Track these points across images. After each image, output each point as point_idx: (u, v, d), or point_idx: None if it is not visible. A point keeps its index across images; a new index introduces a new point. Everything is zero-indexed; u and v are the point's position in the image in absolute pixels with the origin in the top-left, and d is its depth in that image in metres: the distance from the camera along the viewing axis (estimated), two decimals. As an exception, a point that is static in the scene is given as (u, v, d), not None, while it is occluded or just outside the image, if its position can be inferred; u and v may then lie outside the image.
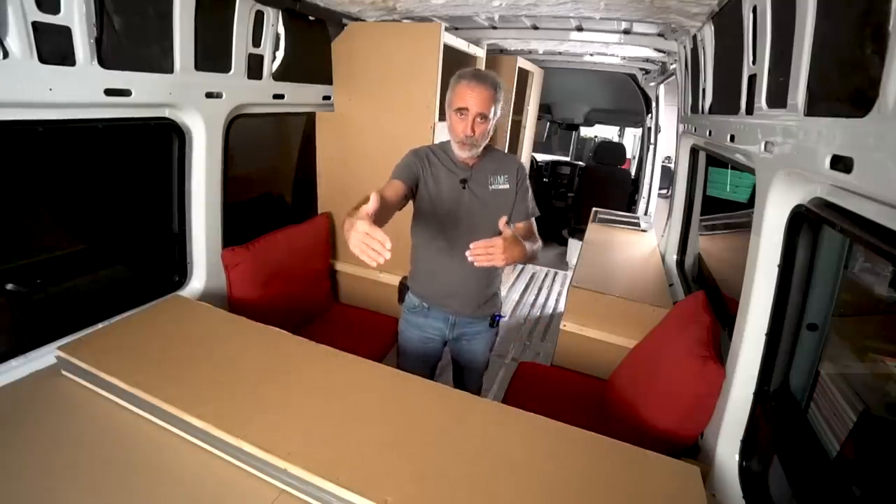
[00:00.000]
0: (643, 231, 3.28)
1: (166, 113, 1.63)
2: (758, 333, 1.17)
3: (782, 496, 1.09)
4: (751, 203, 1.44)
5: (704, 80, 1.84)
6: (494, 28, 2.50)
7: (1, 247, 1.39)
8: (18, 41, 1.11)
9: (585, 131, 7.09)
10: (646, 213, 4.27)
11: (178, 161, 1.76)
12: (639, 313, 1.92)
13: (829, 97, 0.86)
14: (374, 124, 2.24)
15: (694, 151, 2.36)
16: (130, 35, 1.37)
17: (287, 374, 1.28)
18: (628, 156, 5.62)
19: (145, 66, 1.45)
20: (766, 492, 1.13)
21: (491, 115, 1.33)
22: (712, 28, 1.64)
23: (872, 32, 0.70)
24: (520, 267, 4.70)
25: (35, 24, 1.13)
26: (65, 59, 1.23)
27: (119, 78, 1.37)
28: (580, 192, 5.36)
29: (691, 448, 1.33)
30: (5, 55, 1.10)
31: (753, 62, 1.23)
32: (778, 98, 1.07)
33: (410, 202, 1.46)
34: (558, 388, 1.89)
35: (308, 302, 2.29)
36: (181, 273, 1.88)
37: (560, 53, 3.58)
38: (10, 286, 1.37)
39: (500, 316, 1.67)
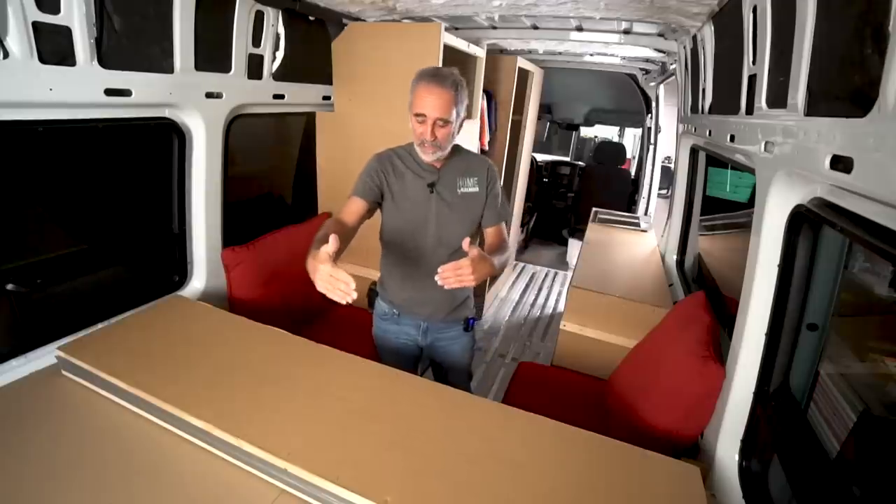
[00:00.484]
0: (643, 231, 3.28)
1: (166, 113, 1.63)
2: (758, 333, 1.17)
3: (782, 496, 1.09)
4: (751, 203, 1.44)
5: (704, 80, 1.84)
6: (494, 28, 2.50)
7: (1, 247, 1.39)
8: (18, 41, 1.11)
9: (585, 131, 7.08)
10: (646, 213, 4.27)
11: (178, 161, 1.76)
12: (639, 313, 1.92)
13: (829, 97, 0.86)
14: (374, 124, 2.24)
15: (694, 151, 2.36)
16: (130, 35, 1.38)
17: (287, 374, 1.28)
18: (628, 156, 5.62)
19: (145, 66, 1.45)
20: (766, 492, 1.13)
21: (452, 117, 1.28)
22: (712, 28, 1.64)
23: (872, 32, 0.70)
24: (520, 267, 4.71)
25: (35, 24, 1.14)
26: (65, 59, 1.23)
27: (119, 78, 1.37)
28: (580, 192, 5.36)
29: (691, 448, 1.33)
30: (5, 55, 1.10)
31: (753, 62, 1.23)
32: (778, 98, 1.07)
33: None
34: (558, 388, 1.89)
35: (308, 302, 2.28)
36: (181, 273, 1.88)
37: (560, 53, 3.58)
38: (10, 286, 1.37)
39: (474, 319, 1.62)
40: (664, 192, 4.22)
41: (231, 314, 1.60)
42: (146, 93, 1.47)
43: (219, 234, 1.91)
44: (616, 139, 6.72)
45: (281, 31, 1.94)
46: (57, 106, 1.27)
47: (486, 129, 3.07)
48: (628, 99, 4.49)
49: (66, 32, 1.21)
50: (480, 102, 2.77)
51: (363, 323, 2.32)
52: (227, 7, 1.67)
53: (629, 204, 4.85)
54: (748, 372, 1.19)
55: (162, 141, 1.71)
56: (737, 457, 1.20)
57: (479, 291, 3.37)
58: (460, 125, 1.35)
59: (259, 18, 1.80)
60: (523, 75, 3.31)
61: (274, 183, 2.64)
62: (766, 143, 1.13)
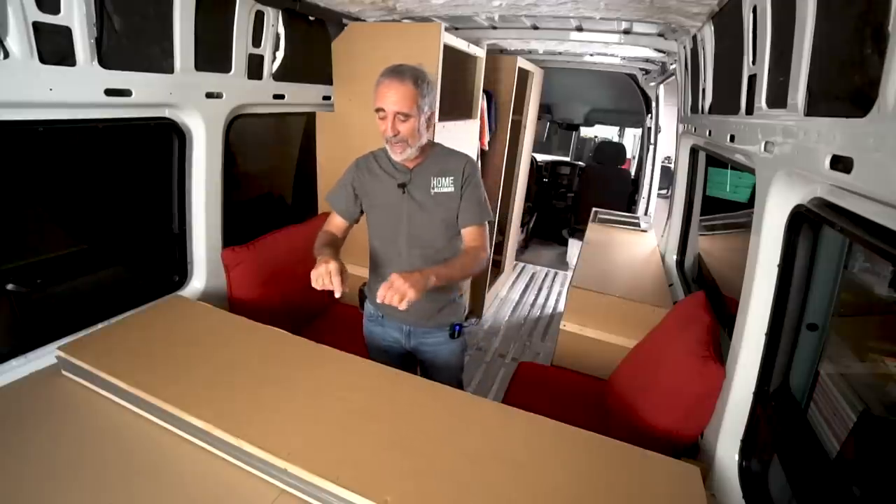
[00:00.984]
0: (643, 231, 3.28)
1: (166, 113, 1.63)
2: (758, 333, 1.17)
3: (782, 496, 1.09)
4: (751, 203, 1.44)
5: (704, 80, 1.84)
6: (494, 28, 2.50)
7: (1, 247, 1.39)
8: (19, 41, 1.11)
9: (585, 131, 7.08)
10: (646, 213, 4.27)
11: (178, 161, 1.76)
12: (639, 313, 1.92)
13: (829, 97, 0.86)
14: (374, 124, 2.20)
15: (694, 151, 2.36)
16: (131, 35, 1.38)
17: (287, 374, 1.28)
18: (628, 156, 5.62)
19: (145, 67, 1.45)
20: (766, 492, 1.13)
21: (414, 112, 1.25)
22: (712, 28, 1.64)
23: (872, 32, 0.70)
24: (520, 267, 4.71)
25: (35, 25, 1.14)
26: (65, 59, 1.23)
27: (119, 78, 1.37)
28: (580, 192, 5.37)
29: (691, 448, 1.33)
30: (6, 55, 1.10)
31: (753, 62, 1.23)
32: (778, 98, 1.07)
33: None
34: (558, 388, 1.89)
35: (308, 302, 2.28)
36: (181, 273, 1.88)
37: (560, 53, 3.58)
38: (10, 286, 1.37)
39: (461, 326, 1.55)
40: (664, 192, 4.23)
41: (231, 314, 1.60)
42: (146, 93, 1.47)
43: (219, 234, 1.91)
44: (616, 139, 6.72)
45: (281, 31, 1.94)
46: (57, 106, 1.27)
47: (486, 129, 3.07)
48: (628, 99, 4.49)
49: (66, 32, 1.21)
50: (480, 102, 2.77)
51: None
52: (227, 7, 1.67)
53: (629, 204, 4.85)
54: (748, 372, 1.19)
55: (162, 141, 1.71)
56: (737, 457, 1.20)
57: (479, 291, 3.37)
58: (428, 120, 1.32)
59: (259, 18, 1.80)
60: (523, 75, 3.31)
61: (274, 183, 2.64)
62: (766, 143, 1.13)
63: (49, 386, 1.26)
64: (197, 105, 1.67)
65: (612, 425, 1.50)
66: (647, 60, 3.40)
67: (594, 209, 3.72)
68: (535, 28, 2.45)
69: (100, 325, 1.50)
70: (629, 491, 0.99)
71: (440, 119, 2.18)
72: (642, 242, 3.01)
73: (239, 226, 2.03)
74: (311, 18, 2.10)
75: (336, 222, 1.48)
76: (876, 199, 0.73)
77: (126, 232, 1.75)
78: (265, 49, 1.88)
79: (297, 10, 1.92)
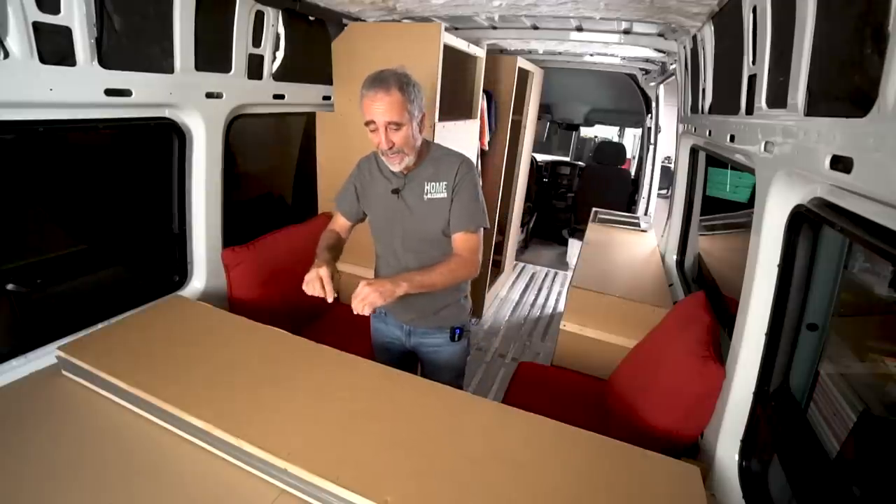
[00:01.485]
0: (643, 231, 3.28)
1: (166, 113, 1.63)
2: (758, 333, 1.17)
3: (782, 496, 1.09)
4: (751, 203, 1.44)
5: (704, 80, 1.84)
6: (494, 28, 2.50)
7: (1, 247, 1.39)
8: (19, 41, 1.11)
9: (585, 131, 7.08)
10: (646, 213, 4.27)
11: (178, 161, 1.76)
12: (639, 313, 1.92)
13: (829, 97, 0.86)
14: (374, 124, 2.24)
15: (694, 151, 2.36)
16: (131, 35, 1.38)
17: (287, 374, 1.28)
18: (628, 156, 5.62)
19: (145, 67, 1.45)
20: (766, 492, 1.13)
21: (405, 119, 1.21)
22: (712, 28, 1.64)
23: (872, 32, 0.70)
24: (520, 267, 4.71)
25: (35, 25, 1.14)
26: (65, 59, 1.23)
27: (119, 78, 1.37)
28: (580, 192, 5.36)
29: (691, 448, 1.33)
30: (6, 55, 1.10)
31: (753, 62, 1.23)
32: (778, 98, 1.07)
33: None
34: (558, 388, 1.89)
35: (308, 302, 2.27)
36: (181, 273, 1.88)
37: (560, 53, 3.58)
38: (10, 286, 1.37)
39: (461, 329, 1.53)
40: (664, 192, 4.23)
41: (231, 314, 1.60)
42: (146, 93, 1.47)
43: (219, 234, 1.91)
44: (616, 139, 6.72)
45: (281, 31, 1.94)
46: (57, 106, 1.27)
47: (486, 129, 3.07)
48: (628, 99, 4.49)
49: (66, 32, 1.21)
50: (480, 102, 2.77)
51: (363, 323, 2.31)
52: (227, 7, 1.67)
53: (629, 204, 4.85)
54: (748, 372, 1.19)
55: (162, 141, 1.71)
56: (737, 457, 1.20)
57: (479, 291, 3.37)
58: (419, 124, 1.29)
59: (259, 18, 1.80)
60: (523, 75, 3.31)
61: (274, 183, 2.64)
62: (766, 143, 1.13)
63: (49, 386, 1.26)
64: (197, 105, 1.67)
65: (612, 425, 1.50)
66: (647, 60, 3.40)
67: (594, 209, 3.72)
68: (535, 28, 2.45)
69: (100, 325, 1.50)
70: (629, 491, 0.99)
71: (440, 119, 2.19)
72: (642, 242, 3.01)
73: (239, 226, 2.03)
74: (311, 18, 2.10)
75: (340, 221, 1.52)
76: (876, 199, 0.73)
77: (126, 232, 1.75)
78: (265, 49, 1.88)
79: (297, 10, 1.92)
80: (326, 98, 2.34)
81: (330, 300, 1.20)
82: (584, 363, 2.01)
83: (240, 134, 1.97)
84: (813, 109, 0.91)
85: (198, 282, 1.90)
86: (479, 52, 2.59)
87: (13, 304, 1.39)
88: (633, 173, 5.18)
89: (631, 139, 6.73)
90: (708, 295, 1.68)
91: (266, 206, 2.57)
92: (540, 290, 4.24)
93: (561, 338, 2.06)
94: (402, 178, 1.37)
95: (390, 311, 1.53)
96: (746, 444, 1.19)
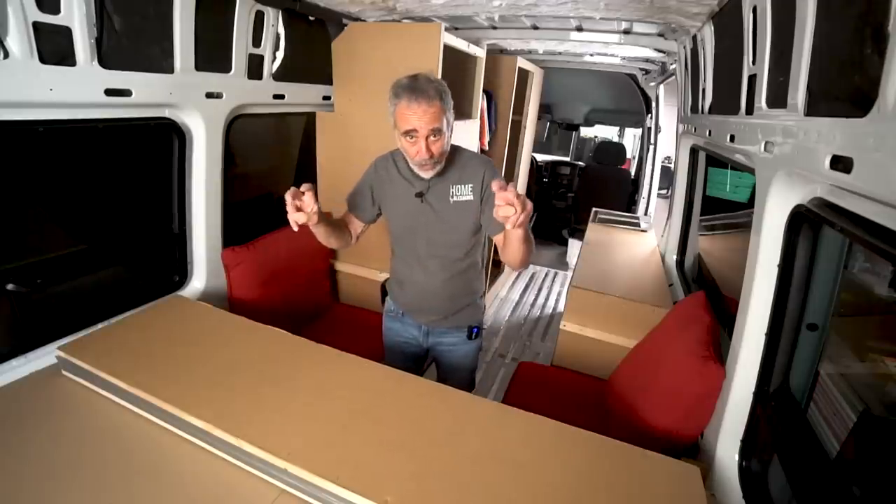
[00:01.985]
0: (643, 231, 3.28)
1: (166, 113, 1.63)
2: (758, 333, 1.17)
3: (782, 496, 1.09)
4: (751, 203, 1.44)
5: (704, 80, 1.84)
6: (494, 28, 2.50)
7: (1, 247, 1.39)
8: (19, 41, 1.11)
9: (585, 131, 7.08)
10: (646, 213, 4.27)
11: (178, 161, 1.76)
12: (639, 313, 1.92)
13: (829, 97, 0.86)
14: (374, 124, 2.24)
15: (694, 151, 2.36)
16: (131, 35, 1.38)
17: (287, 374, 1.28)
18: (628, 156, 5.62)
19: (145, 67, 1.45)
20: (766, 492, 1.13)
21: (444, 127, 1.21)
22: (712, 28, 1.64)
23: (872, 32, 0.70)
24: (520, 267, 4.70)
25: (35, 25, 1.14)
26: (65, 59, 1.23)
27: (119, 78, 1.37)
28: (580, 192, 5.36)
29: (691, 448, 1.33)
30: (6, 55, 1.10)
31: (753, 62, 1.23)
32: (778, 98, 1.07)
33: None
34: (558, 388, 1.89)
35: (308, 302, 2.29)
36: (181, 273, 1.88)
37: (560, 53, 3.58)
38: (10, 286, 1.37)
39: (479, 328, 1.57)
40: (664, 192, 4.23)
41: (231, 314, 1.60)
42: (146, 93, 1.47)
43: (219, 234, 1.91)
44: (616, 139, 6.72)
45: (281, 31, 1.94)
46: (57, 106, 1.27)
47: (486, 129, 3.07)
48: (628, 99, 4.49)
49: (66, 32, 1.21)
50: (480, 102, 2.77)
51: (363, 323, 2.33)
52: (227, 7, 1.67)
53: (629, 204, 4.85)
54: (748, 372, 1.19)
55: (162, 141, 1.71)
56: (737, 457, 1.20)
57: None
58: (451, 130, 1.29)
59: (259, 18, 1.80)
60: (523, 75, 3.31)
61: (274, 183, 2.64)
62: (766, 143, 1.13)
63: (49, 386, 1.26)
64: (197, 105, 1.67)
65: (612, 425, 1.50)
66: (647, 60, 3.40)
67: (594, 209, 3.72)
68: (535, 28, 2.45)
69: (100, 325, 1.50)
70: (629, 491, 0.99)
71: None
72: (642, 242, 3.01)
73: (239, 226, 2.03)
74: (311, 18, 2.10)
75: (350, 219, 1.47)
76: (876, 199, 0.73)
77: (126, 232, 1.75)
78: (265, 49, 1.88)
79: (297, 10, 1.92)
80: (326, 98, 2.34)
81: (299, 220, 1.23)
82: (584, 363, 2.01)
83: (240, 134, 1.97)
84: (813, 109, 0.91)
85: (198, 282, 1.90)
86: (479, 52, 2.59)
87: (13, 304, 1.39)
88: (633, 173, 5.18)
89: (631, 139, 6.73)
90: (708, 295, 1.68)
91: (266, 206, 2.57)
92: (540, 290, 4.24)
93: (561, 338, 2.06)
94: (425, 182, 1.35)
95: (409, 312, 1.54)
96: (746, 444, 1.19)
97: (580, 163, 5.87)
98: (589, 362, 2.00)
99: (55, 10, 1.17)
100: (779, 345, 1.14)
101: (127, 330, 1.44)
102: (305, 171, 2.52)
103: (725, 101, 1.57)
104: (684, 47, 2.11)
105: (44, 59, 1.17)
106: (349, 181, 2.52)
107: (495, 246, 1.39)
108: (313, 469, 0.96)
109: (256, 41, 1.83)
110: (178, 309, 1.60)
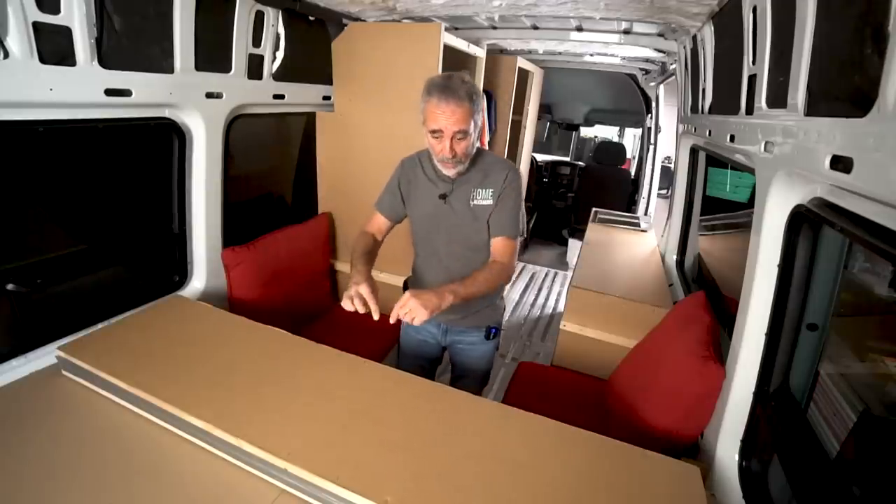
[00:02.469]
0: (643, 231, 3.28)
1: (166, 113, 1.63)
2: (758, 333, 1.17)
3: (782, 496, 1.09)
4: (751, 203, 1.44)
5: (704, 80, 1.84)
6: (494, 28, 2.50)
7: (1, 247, 1.39)
8: (19, 41, 1.11)
9: (585, 131, 7.08)
10: (646, 213, 4.27)
11: (178, 161, 1.76)
12: (639, 313, 1.92)
13: (829, 97, 0.86)
14: (374, 124, 2.24)
15: (694, 151, 2.36)
16: (131, 35, 1.38)
17: (287, 374, 1.28)
18: (628, 156, 5.62)
19: (145, 67, 1.45)
20: (766, 492, 1.13)
21: (471, 129, 1.24)
22: (712, 28, 1.64)
23: (872, 32, 0.70)
24: (520, 267, 4.70)
25: (35, 25, 1.13)
26: (65, 59, 1.23)
27: (119, 78, 1.37)
28: (580, 192, 5.36)
29: (691, 448, 1.33)
30: (6, 55, 1.10)
31: (753, 62, 1.23)
32: (778, 98, 1.07)
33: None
34: (558, 388, 1.89)
35: (308, 302, 2.29)
36: (181, 273, 1.88)
37: (560, 53, 3.58)
38: (10, 286, 1.37)
39: (496, 328, 1.60)
40: (664, 192, 4.23)
41: (231, 314, 1.60)
42: (146, 93, 1.47)
43: (219, 234, 1.91)
44: (616, 139, 6.72)
45: (281, 31, 1.94)
46: (57, 106, 1.27)
47: (486, 129, 3.07)
48: (628, 99, 4.49)
49: (66, 32, 1.21)
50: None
51: (363, 323, 2.32)
52: (227, 7, 1.67)
53: (629, 204, 4.85)
54: (748, 372, 1.19)
55: (162, 141, 1.71)
56: (737, 457, 1.20)
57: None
58: (479, 133, 1.31)
59: (259, 18, 1.80)
60: (523, 75, 3.32)
61: (274, 183, 2.64)
62: (766, 143, 1.13)
63: (49, 386, 1.26)
64: (197, 105, 1.67)
65: (612, 425, 1.50)
66: (647, 60, 3.40)
67: (594, 209, 3.72)
68: (535, 28, 2.45)
69: (100, 325, 1.49)
70: (629, 491, 0.99)
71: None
72: (642, 242, 3.01)
73: (239, 226, 2.03)
74: (311, 18, 2.10)
75: (379, 222, 1.49)
76: (876, 199, 0.73)
77: (126, 232, 1.75)
78: (265, 49, 1.88)
79: (297, 10, 1.92)
80: (326, 98, 2.34)
81: (376, 317, 1.19)
82: (584, 363, 2.01)
83: (240, 134, 1.97)
84: (813, 109, 0.91)
85: (198, 282, 1.90)
86: (479, 52, 2.59)
87: (13, 304, 1.39)
88: (633, 173, 5.18)
89: (631, 139, 6.73)
90: (708, 295, 1.68)
91: (266, 206, 2.57)
92: (540, 290, 4.24)
93: (561, 338, 2.06)
94: (449, 184, 1.37)
95: None
96: (746, 444, 1.19)
97: (580, 163, 5.87)
98: (589, 362, 2.00)
99: (55, 10, 1.17)
100: (779, 345, 1.14)
101: (127, 330, 1.44)
102: (305, 172, 2.52)
103: (725, 101, 1.57)
104: (684, 47, 2.11)
105: (44, 59, 1.17)
106: (349, 181, 2.52)
107: None
108: (313, 469, 0.96)
109: (256, 41, 1.83)
110: (178, 309, 1.60)
